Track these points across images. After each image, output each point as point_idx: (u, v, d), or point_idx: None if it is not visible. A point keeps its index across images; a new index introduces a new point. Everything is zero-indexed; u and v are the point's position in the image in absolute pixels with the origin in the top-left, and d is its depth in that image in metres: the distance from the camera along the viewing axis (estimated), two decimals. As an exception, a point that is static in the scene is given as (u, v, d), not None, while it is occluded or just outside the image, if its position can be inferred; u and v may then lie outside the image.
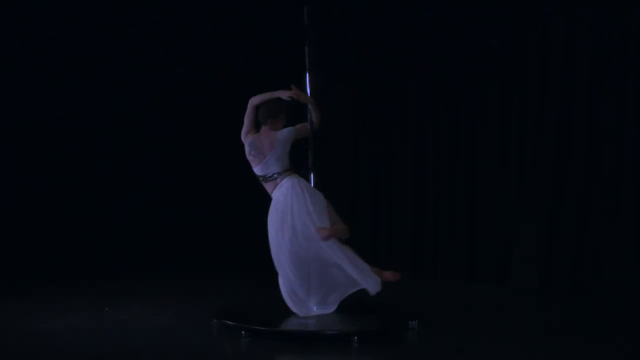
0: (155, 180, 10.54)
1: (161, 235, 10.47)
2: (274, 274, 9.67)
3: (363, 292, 7.06)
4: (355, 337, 6.57)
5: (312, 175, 7.34)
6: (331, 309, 7.11)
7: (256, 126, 7.36)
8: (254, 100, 7.31)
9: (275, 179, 7.18)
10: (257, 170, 7.24)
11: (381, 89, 10.05)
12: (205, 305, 7.88)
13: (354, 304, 7.45)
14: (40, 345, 6.62)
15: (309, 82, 7.37)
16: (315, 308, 7.09)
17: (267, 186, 7.25)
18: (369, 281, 6.99)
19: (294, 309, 7.07)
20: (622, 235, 8.42)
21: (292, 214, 7.05)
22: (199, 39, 10.53)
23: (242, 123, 10.60)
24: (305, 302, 7.09)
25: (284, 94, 7.23)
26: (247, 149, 7.28)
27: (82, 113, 10.24)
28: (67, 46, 10.13)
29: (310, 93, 7.35)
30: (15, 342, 6.72)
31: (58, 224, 10.00)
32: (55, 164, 10.05)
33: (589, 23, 8.61)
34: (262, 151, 7.20)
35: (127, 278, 9.61)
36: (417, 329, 6.94)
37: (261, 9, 10.37)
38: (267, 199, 10.19)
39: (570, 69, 8.73)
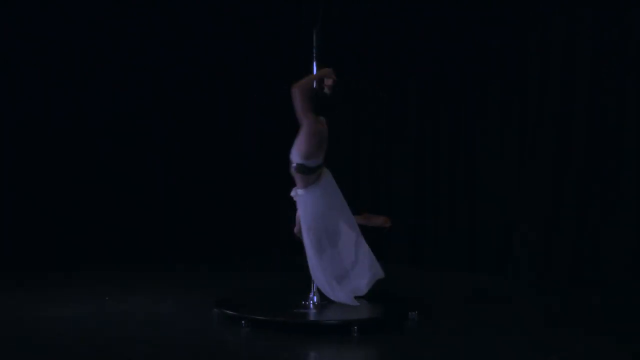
0: (155, 174, 10.56)
1: (161, 226, 10.49)
2: (275, 264, 9.75)
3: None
4: (355, 327, 6.55)
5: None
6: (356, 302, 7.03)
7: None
8: (301, 89, 6.70)
9: (319, 170, 6.92)
10: (316, 162, 6.85)
11: (382, 80, 10.06)
12: (205, 295, 7.86)
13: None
14: (40, 333, 6.61)
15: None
16: (343, 296, 7.00)
17: (309, 179, 6.89)
18: (376, 272, 7.05)
19: (332, 296, 7.00)
20: (621, 228, 8.41)
21: (339, 204, 7.00)
22: (199, 39, 10.55)
23: (241, 122, 10.72)
24: (335, 289, 6.99)
25: (327, 76, 6.91)
26: (318, 140, 6.79)
27: (82, 112, 10.24)
28: (67, 46, 10.14)
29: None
30: (16, 330, 6.71)
31: (58, 216, 10.01)
32: (55, 159, 10.04)
33: (589, 23, 8.62)
34: (326, 141, 6.92)
35: (127, 268, 9.58)
36: (416, 320, 6.93)
37: (261, 8, 10.40)
38: (263, 192, 10.24)
39: (570, 69, 8.74)
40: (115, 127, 10.41)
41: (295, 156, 6.82)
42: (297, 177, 6.91)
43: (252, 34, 10.54)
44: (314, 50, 7.20)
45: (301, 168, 6.84)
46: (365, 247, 7.07)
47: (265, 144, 10.56)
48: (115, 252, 10.12)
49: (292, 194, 7.02)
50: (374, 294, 7.38)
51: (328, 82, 7.04)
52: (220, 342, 6.54)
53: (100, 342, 6.35)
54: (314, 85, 6.91)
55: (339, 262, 7.03)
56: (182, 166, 10.64)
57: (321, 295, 7.08)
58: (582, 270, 8.58)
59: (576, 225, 8.63)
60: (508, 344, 6.38)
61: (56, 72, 10.12)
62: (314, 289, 7.10)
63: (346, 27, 10.04)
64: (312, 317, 6.82)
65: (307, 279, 7.13)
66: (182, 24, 10.50)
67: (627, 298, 8.02)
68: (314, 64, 7.18)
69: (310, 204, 6.94)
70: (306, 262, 7.05)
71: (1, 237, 9.65)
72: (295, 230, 7.22)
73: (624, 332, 6.77)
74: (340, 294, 6.97)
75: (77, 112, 10.25)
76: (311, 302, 7.07)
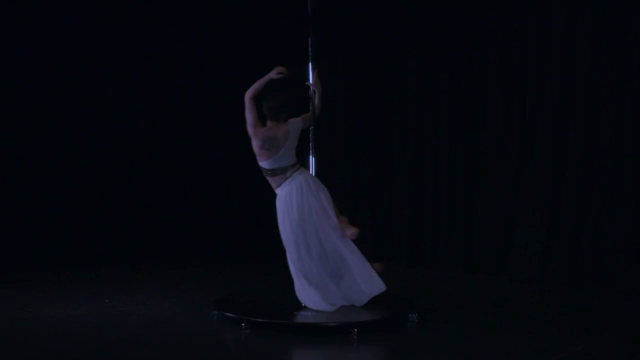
0: (156, 172, 10.54)
1: (162, 226, 10.48)
2: (275, 265, 9.71)
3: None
4: (355, 329, 6.55)
5: (312, 166, 7.28)
6: (331, 308, 6.96)
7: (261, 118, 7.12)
8: (249, 94, 7.05)
9: (285, 172, 6.98)
10: (267, 164, 6.97)
11: (381, 80, 10.03)
12: (205, 296, 7.87)
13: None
14: (40, 333, 6.62)
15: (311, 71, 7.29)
16: (320, 303, 6.97)
17: (275, 180, 7.02)
18: (374, 287, 7.00)
19: (305, 301, 7.03)
20: (622, 227, 8.41)
21: (309, 209, 6.94)
22: (199, 35, 10.56)
23: (241, 118, 10.67)
24: (312, 295, 6.99)
25: (273, 75, 7.05)
26: (259, 143, 6.94)
27: (82, 105, 10.24)
28: (68, 43, 10.14)
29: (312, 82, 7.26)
30: (16, 331, 6.72)
31: (57, 216, 9.99)
32: (55, 157, 10.01)
33: (589, 21, 8.61)
34: (277, 144, 6.94)
35: (126, 269, 9.58)
36: (416, 321, 6.93)
37: (261, 5, 10.40)
38: (264, 190, 10.19)
39: (570, 67, 8.73)
40: (115, 122, 10.40)
41: None
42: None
43: (252, 31, 10.55)
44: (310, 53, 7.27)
45: (262, 170, 7.09)
46: (355, 258, 7.02)
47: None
48: (115, 253, 10.10)
49: None
50: (375, 296, 7.39)
51: (311, 83, 7.23)
52: (220, 343, 6.55)
53: (99, 343, 6.36)
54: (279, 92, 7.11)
55: (317, 270, 6.99)
56: (183, 166, 10.62)
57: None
58: (582, 270, 8.58)
59: (576, 225, 8.62)
60: (508, 345, 6.38)
61: (55, 68, 10.08)
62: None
63: (347, 17, 10.04)
64: (312, 319, 6.80)
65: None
66: (181, 20, 10.53)
67: (628, 298, 8.03)
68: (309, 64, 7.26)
69: (278, 205, 7.08)
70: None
71: (1, 238, 9.62)
72: None
73: (624, 332, 6.78)
74: (310, 298, 7.00)
75: (77, 104, 10.23)
76: (311, 303, 7.06)
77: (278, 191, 7.07)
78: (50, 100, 10.04)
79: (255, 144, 7.00)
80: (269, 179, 7.08)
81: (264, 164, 7.01)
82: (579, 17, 8.69)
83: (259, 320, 6.72)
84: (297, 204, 6.93)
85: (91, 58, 10.25)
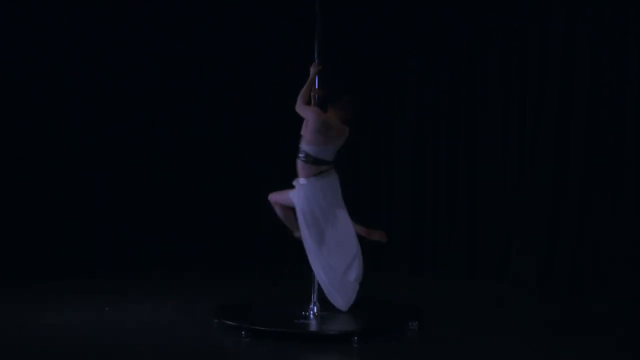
0: (155, 175, 10.53)
1: (163, 232, 10.46)
2: (275, 273, 9.74)
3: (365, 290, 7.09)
4: (356, 337, 6.57)
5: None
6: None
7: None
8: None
9: (324, 165, 7.11)
10: (315, 151, 7.03)
11: (381, 85, 10.01)
12: (206, 304, 7.85)
13: (354, 304, 7.45)
14: (40, 340, 6.66)
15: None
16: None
17: (309, 168, 7.06)
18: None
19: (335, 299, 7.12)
20: (622, 232, 8.42)
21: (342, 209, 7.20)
22: (199, 35, 10.55)
23: (240, 117, 10.67)
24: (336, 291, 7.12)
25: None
26: (318, 124, 7.00)
27: (82, 106, 10.23)
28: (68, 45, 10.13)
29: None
30: (16, 337, 6.75)
31: (58, 223, 9.97)
32: (55, 158, 10.00)
33: (589, 21, 8.60)
34: (332, 134, 7.09)
35: (127, 276, 9.56)
36: (417, 329, 6.94)
37: (261, 5, 10.37)
38: (266, 195, 10.19)
39: (570, 72, 8.73)
40: (115, 127, 10.38)
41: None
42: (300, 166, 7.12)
43: (255, 31, 10.53)
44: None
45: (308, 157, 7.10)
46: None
47: (271, 148, 10.53)
48: (115, 259, 10.09)
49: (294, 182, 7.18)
50: (375, 304, 7.41)
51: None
52: (219, 352, 6.57)
53: (99, 349, 6.39)
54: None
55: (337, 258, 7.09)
56: (183, 169, 10.60)
57: (321, 306, 7.10)
58: (583, 277, 8.59)
59: (577, 232, 8.63)
60: (509, 352, 6.40)
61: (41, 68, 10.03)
62: (314, 299, 7.11)
63: (342, 25, 10.01)
64: (312, 328, 6.83)
65: (307, 289, 7.15)
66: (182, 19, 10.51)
67: (628, 305, 8.05)
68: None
69: (303, 197, 7.11)
70: (306, 272, 7.11)
71: (2, 244, 9.62)
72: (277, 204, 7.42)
73: (624, 336, 6.82)
74: (341, 295, 7.05)
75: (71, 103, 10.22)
76: (311, 312, 7.08)
77: (309, 179, 7.10)
78: (50, 100, 10.02)
79: (315, 123, 7.07)
80: (304, 164, 7.09)
81: (311, 149, 7.07)
82: (579, 17, 8.67)
83: (260, 328, 6.73)
84: (331, 202, 7.19)
85: (91, 58, 10.23)
